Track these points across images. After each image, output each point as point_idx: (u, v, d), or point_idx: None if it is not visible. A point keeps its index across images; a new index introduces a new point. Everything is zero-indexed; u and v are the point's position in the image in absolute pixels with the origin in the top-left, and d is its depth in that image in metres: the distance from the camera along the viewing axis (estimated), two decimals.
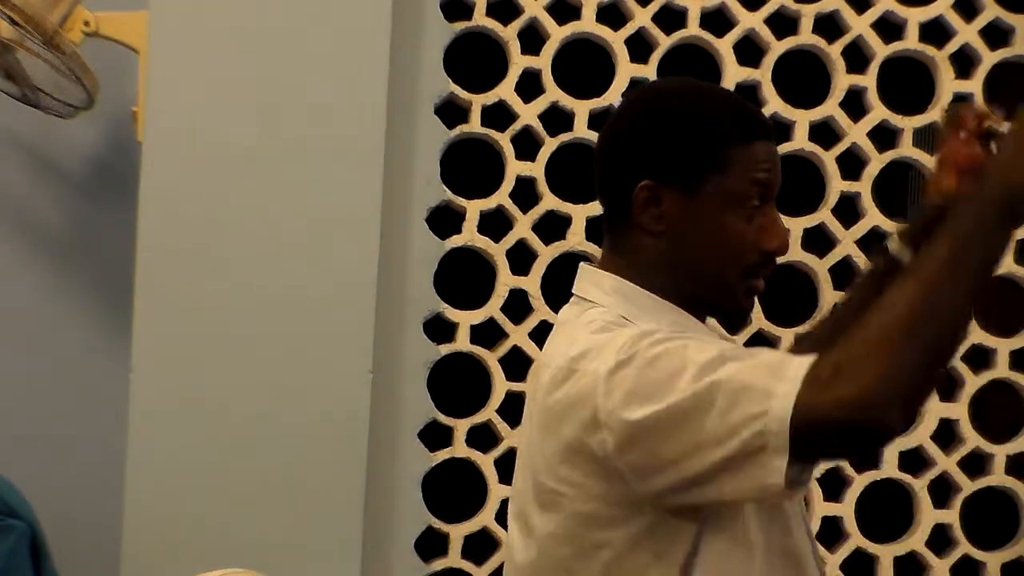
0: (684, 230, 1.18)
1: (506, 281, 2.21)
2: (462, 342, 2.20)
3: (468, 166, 2.24)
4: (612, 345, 1.10)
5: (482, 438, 2.22)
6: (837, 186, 2.23)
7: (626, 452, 1.07)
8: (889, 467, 2.24)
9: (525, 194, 2.21)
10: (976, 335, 2.25)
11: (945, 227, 1.02)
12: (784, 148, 2.18)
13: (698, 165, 1.17)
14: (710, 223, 1.17)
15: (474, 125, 2.19)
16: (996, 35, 2.26)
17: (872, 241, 2.27)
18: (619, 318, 1.18)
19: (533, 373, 1.28)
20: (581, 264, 1.28)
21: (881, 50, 2.23)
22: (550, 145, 2.20)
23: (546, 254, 2.21)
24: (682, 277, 1.19)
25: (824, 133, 2.25)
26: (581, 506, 1.14)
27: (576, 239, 2.20)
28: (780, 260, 1.22)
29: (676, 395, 1.03)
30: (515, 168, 2.20)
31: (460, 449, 2.20)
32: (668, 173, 1.17)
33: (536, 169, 2.20)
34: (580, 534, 1.14)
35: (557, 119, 2.20)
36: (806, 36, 2.22)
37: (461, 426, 2.20)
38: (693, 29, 2.21)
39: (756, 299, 1.25)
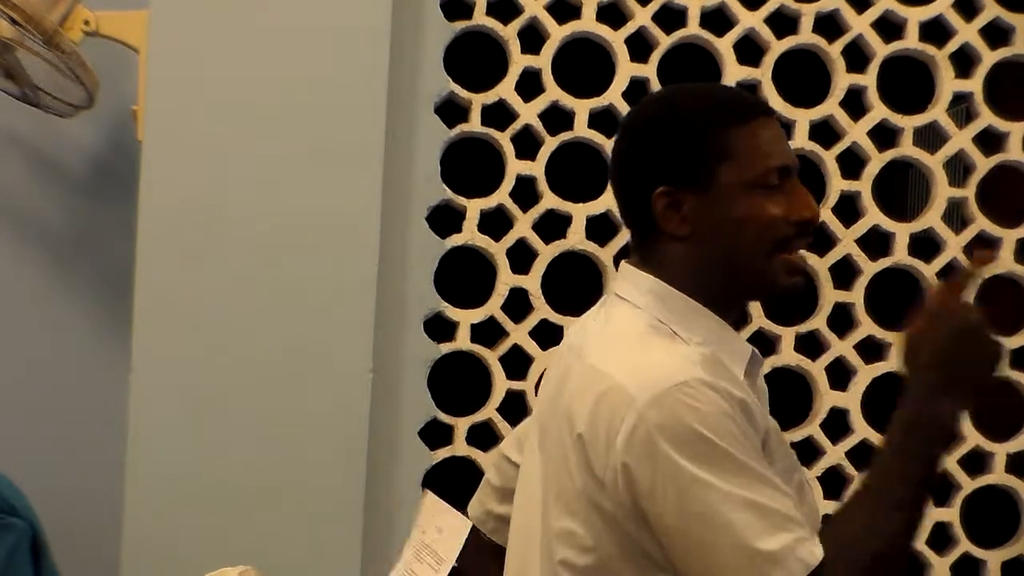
0: (709, 227, 1.18)
1: (506, 280, 2.21)
2: (462, 341, 2.20)
3: (468, 165, 2.24)
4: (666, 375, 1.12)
5: (482, 437, 2.22)
6: (837, 185, 2.23)
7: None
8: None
9: (525, 193, 2.21)
10: None
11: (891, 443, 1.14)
12: None
13: (704, 159, 1.17)
14: (732, 213, 1.18)
15: (474, 124, 2.19)
16: (996, 34, 2.26)
17: (872, 240, 2.27)
18: (656, 321, 1.19)
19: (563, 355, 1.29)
20: (623, 262, 1.28)
21: (881, 49, 2.23)
22: (550, 144, 2.20)
23: (546, 253, 2.21)
24: (715, 276, 1.20)
25: (824, 132, 2.25)
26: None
27: (576, 238, 2.20)
28: None
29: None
30: (515, 167, 2.20)
31: (460, 448, 2.20)
32: (679, 175, 1.18)
33: (536, 168, 2.20)
34: None
35: (557, 118, 2.20)
36: (806, 35, 2.22)
37: (461, 425, 2.20)
38: (693, 28, 2.21)
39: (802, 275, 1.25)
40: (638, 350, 1.16)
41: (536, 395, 2.15)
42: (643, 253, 1.24)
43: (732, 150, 1.17)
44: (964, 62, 2.26)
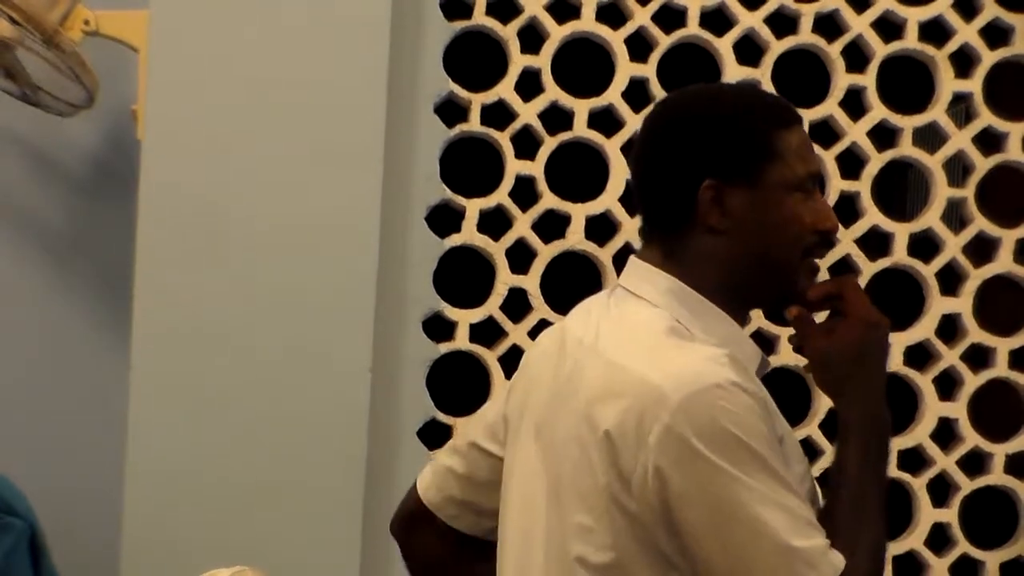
0: (751, 223, 1.20)
1: (505, 280, 2.21)
2: (461, 341, 2.20)
3: (467, 165, 2.24)
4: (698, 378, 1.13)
5: None
6: (837, 185, 2.24)
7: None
8: (888, 466, 2.23)
9: (524, 193, 2.21)
10: (975, 334, 2.25)
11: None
12: None
13: (755, 156, 1.19)
14: (775, 212, 1.20)
15: (474, 124, 2.19)
16: (996, 34, 2.26)
17: (871, 240, 2.27)
18: (674, 322, 1.19)
19: (557, 349, 1.30)
20: (632, 257, 1.27)
21: (881, 49, 2.23)
22: (549, 144, 2.20)
23: (545, 253, 2.21)
24: (744, 273, 1.21)
25: (824, 132, 2.25)
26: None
27: (576, 238, 2.21)
28: None
29: None
30: (514, 167, 2.20)
31: None
32: (729, 170, 1.19)
33: (535, 168, 2.20)
34: None
35: (557, 118, 2.21)
36: (806, 35, 2.22)
37: (460, 425, 2.20)
38: (693, 28, 2.21)
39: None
40: (664, 349, 1.16)
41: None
42: (666, 247, 1.24)
43: (779, 151, 1.19)
44: (964, 62, 2.26)
